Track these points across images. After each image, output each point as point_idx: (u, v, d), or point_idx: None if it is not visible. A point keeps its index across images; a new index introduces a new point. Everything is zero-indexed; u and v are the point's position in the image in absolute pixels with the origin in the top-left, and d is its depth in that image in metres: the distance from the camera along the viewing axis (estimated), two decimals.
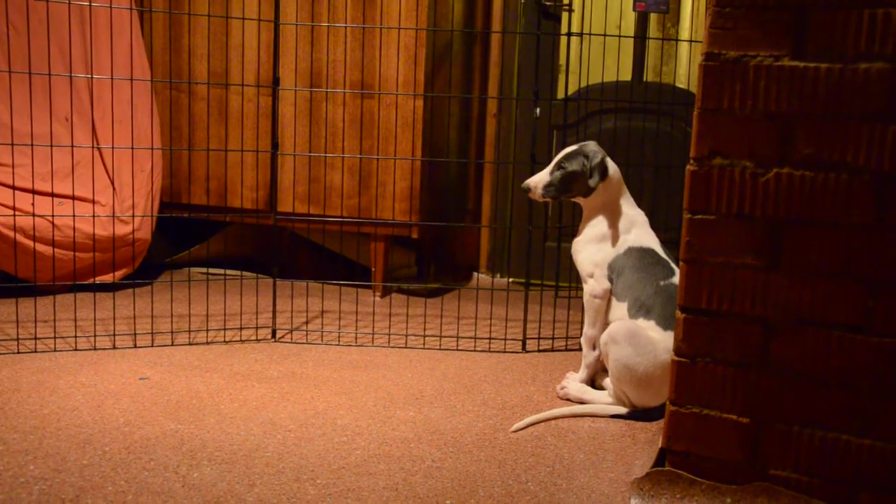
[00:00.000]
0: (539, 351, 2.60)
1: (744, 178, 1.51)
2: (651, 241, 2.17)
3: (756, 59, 1.48)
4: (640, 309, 2.06)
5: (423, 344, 2.63)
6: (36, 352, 2.34)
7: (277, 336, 2.64)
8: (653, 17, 3.77)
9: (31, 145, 2.67)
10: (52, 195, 2.95)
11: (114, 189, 3.12)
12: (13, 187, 2.91)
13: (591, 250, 2.18)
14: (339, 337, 2.66)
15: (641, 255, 2.12)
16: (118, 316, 2.72)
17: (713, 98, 1.52)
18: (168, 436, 1.78)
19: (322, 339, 2.63)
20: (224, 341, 2.55)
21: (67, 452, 1.66)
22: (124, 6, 3.18)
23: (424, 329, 2.76)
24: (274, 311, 2.66)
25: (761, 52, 1.48)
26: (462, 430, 1.91)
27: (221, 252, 3.60)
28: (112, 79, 2.87)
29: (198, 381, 2.16)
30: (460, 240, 3.80)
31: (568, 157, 2.19)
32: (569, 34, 2.82)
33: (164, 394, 2.06)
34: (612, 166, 2.20)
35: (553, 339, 2.70)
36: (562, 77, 3.53)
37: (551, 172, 2.20)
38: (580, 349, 2.61)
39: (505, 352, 2.58)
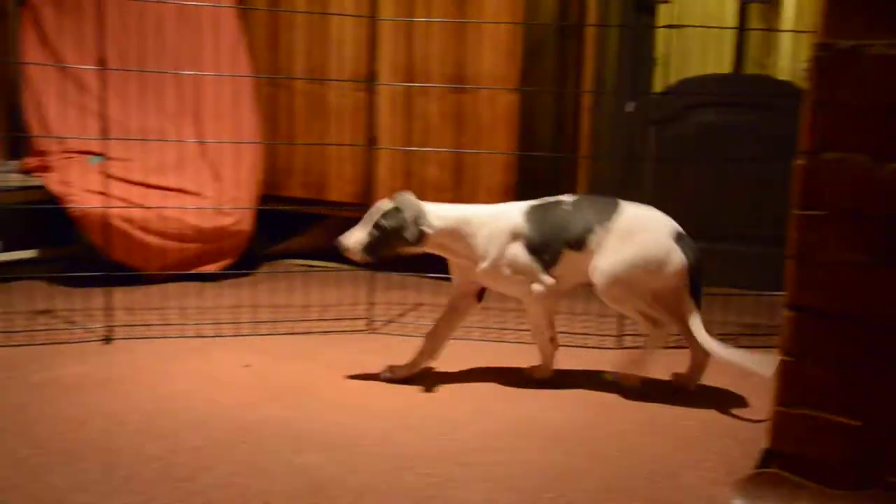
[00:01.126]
0: (636, 348, 2.58)
1: (857, 172, 1.46)
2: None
3: (873, 48, 1.44)
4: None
5: (519, 338, 2.63)
6: (148, 338, 2.44)
7: (373, 327, 2.68)
8: (754, 7, 3.68)
9: (140, 140, 2.78)
10: (161, 188, 3.07)
11: (217, 182, 3.22)
12: (126, 181, 3.04)
13: (509, 260, 2.09)
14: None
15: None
16: (221, 305, 2.82)
17: (825, 90, 1.48)
18: (272, 421, 1.84)
19: (417, 332, 2.66)
20: (323, 332, 2.61)
21: (181, 433, 1.74)
22: (227, 4, 3.28)
23: (522, 322, 2.77)
24: (370, 303, 2.71)
25: (878, 41, 1.43)
26: (560, 425, 1.91)
27: (317, 244, 3.67)
28: (211, 75, 2.97)
29: (299, 370, 2.22)
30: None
31: (384, 215, 2.06)
32: (671, 26, 2.78)
33: (267, 381, 2.12)
34: (433, 214, 2.09)
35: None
36: (657, 70, 3.48)
37: (370, 232, 2.06)
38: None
39: (599, 348, 2.56)
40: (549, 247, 2.08)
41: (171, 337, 2.46)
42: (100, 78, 2.65)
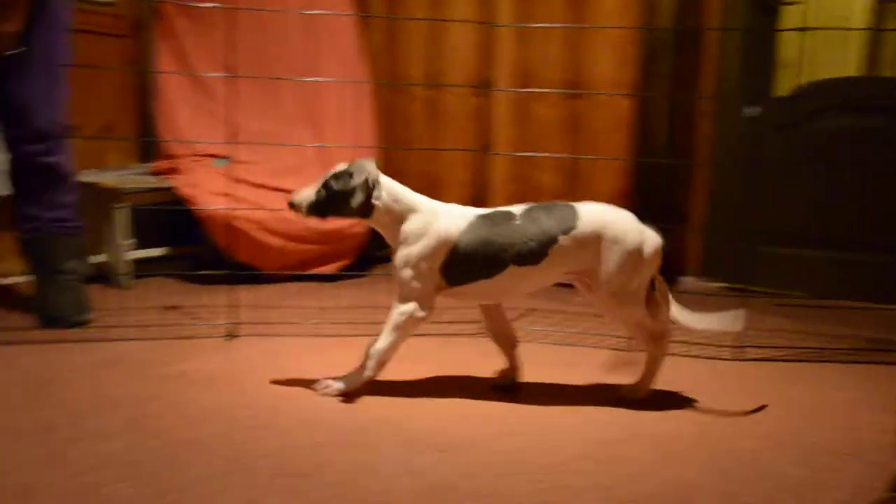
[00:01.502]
0: (754, 360, 2.50)
1: None
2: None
3: None
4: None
5: (632, 346, 2.59)
6: (269, 336, 2.53)
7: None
8: (888, 7, 3.51)
9: (264, 143, 2.88)
10: (282, 191, 3.17)
11: None
12: (249, 183, 3.16)
13: (415, 264, 1.98)
14: (545, 335, 2.68)
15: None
16: (339, 305, 2.89)
17: None
18: (388, 422, 1.87)
19: (529, 337, 2.66)
20: (436, 334, 2.64)
21: (298, 430, 1.79)
22: (347, 12, 3.36)
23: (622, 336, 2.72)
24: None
25: None
26: (673, 435, 1.87)
27: None
28: (331, 81, 3.04)
29: (414, 371, 2.25)
30: (669, 242, 3.71)
31: (335, 175, 2.01)
32: (803, 29, 2.68)
33: (378, 381, 2.16)
34: (386, 188, 2.02)
35: (773, 348, 2.58)
36: (780, 74, 3.37)
37: (317, 190, 2.01)
38: (799, 360, 2.49)
39: (717, 359, 2.50)
40: (487, 259, 1.97)
41: (290, 335, 2.54)
42: (227, 85, 2.76)
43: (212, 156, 3.27)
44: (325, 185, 2.00)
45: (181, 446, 1.67)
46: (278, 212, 3.07)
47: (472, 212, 2.04)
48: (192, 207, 3.04)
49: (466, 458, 1.70)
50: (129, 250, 3.08)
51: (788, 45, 3.28)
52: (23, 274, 2.77)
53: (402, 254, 1.99)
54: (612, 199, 3.08)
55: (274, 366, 2.24)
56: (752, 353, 2.53)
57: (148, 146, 3.50)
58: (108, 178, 3.11)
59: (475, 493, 1.54)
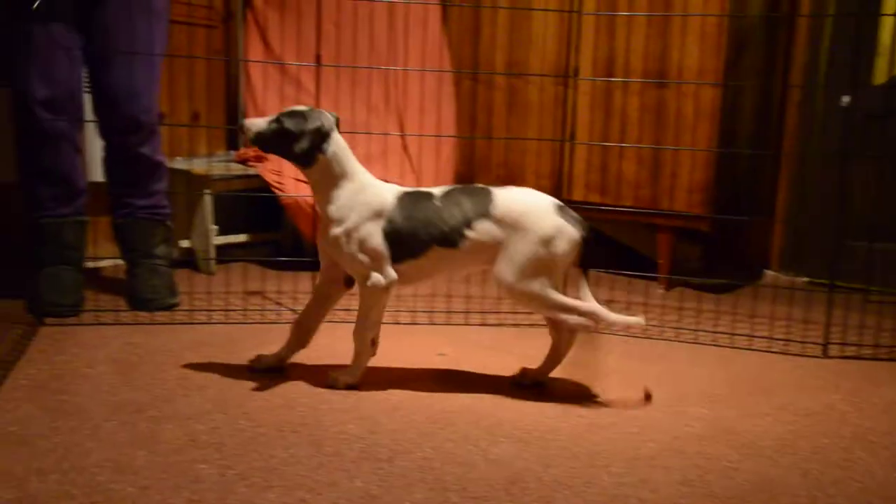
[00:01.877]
0: (843, 357, 2.43)
1: None
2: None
3: None
4: None
5: (714, 341, 2.55)
6: (346, 322, 2.56)
7: None
8: None
9: (348, 132, 2.91)
10: None
11: (414, 174, 3.33)
12: None
13: (361, 236, 1.93)
14: (627, 327, 2.64)
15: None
16: (416, 294, 2.90)
17: None
18: (467, 410, 1.88)
19: (610, 329, 2.63)
20: (515, 325, 2.63)
21: (380, 416, 1.81)
22: (433, 1, 3.37)
23: (716, 325, 2.68)
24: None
25: None
26: (759, 434, 1.83)
27: None
28: (415, 70, 3.05)
29: (492, 361, 2.25)
30: (751, 235, 3.63)
31: (290, 113, 1.93)
32: None
33: (461, 370, 2.17)
34: (335, 143, 1.94)
35: (860, 345, 2.50)
36: (879, 61, 3.24)
37: (269, 123, 1.93)
38: (889, 358, 2.41)
39: (803, 356, 2.43)
40: (413, 238, 1.94)
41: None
42: (314, 74, 2.79)
43: None
44: (278, 120, 1.93)
45: (267, 429, 1.71)
46: None
47: (397, 189, 1.99)
48: (277, 194, 3.09)
49: (548, 449, 1.69)
50: (214, 236, 3.15)
51: (885, 32, 3.16)
52: (116, 258, 2.86)
53: (339, 232, 1.93)
54: (695, 189, 3.03)
55: (352, 351, 2.26)
56: (838, 350, 2.45)
57: (235, 134, 3.57)
58: (197, 166, 3.19)
59: (555, 484, 1.54)
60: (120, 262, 2.80)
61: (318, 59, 2.41)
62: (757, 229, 3.61)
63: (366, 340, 2.00)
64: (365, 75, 3.36)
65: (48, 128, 2.42)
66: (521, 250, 1.91)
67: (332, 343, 2.28)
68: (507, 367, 2.21)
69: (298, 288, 2.78)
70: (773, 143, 3.51)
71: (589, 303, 1.96)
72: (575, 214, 1.96)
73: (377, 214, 1.93)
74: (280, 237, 3.52)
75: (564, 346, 2.07)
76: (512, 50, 3.35)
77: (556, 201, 1.97)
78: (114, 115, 2.50)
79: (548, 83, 3.30)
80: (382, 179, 3.18)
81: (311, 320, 2.11)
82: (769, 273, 3.60)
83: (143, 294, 2.57)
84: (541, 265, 1.91)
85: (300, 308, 2.64)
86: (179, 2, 3.23)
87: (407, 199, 1.96)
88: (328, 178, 1.95)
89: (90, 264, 2.79)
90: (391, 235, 1.93)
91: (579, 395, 2.03)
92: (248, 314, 2.57)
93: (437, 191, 2.00)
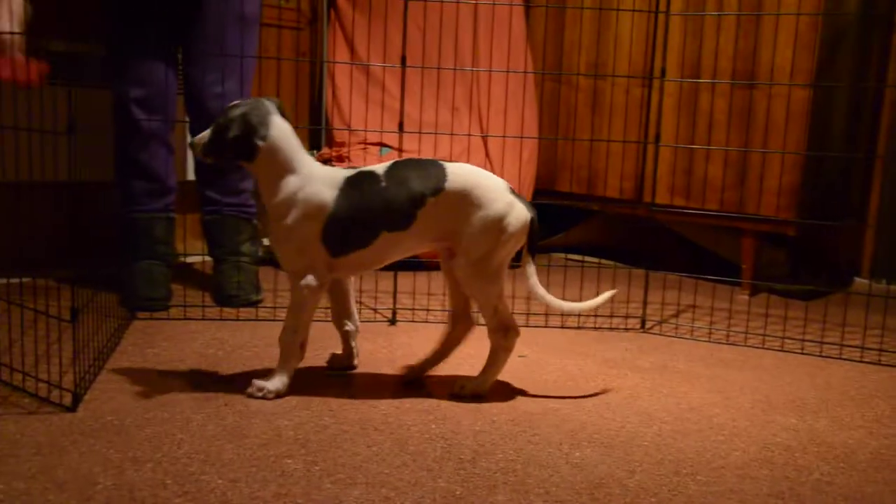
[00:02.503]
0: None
1: None
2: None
3: None
4: None
5: (802, 349, 2.48)
6: (427, 322, 2.57)
7: (646, 327, 2.64)
8: None
9: (428, 133, 2.93)
10: None
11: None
12: None
13: (299, 234, 1.82)
14: (709, 333, 2.60)
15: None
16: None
17: None
18: (549, 413, 1.87)
19: (691, 334, 2.59)
20: (594, 328, 2.61)
21: (461, 417, 1.81)
22: (511, 2, 3.36)
23: (804, 333, 2.60)
24: (644, 302, 2.66)
25: None
26: (853, 446, 1.77)
27: (585, 240, 3.68)
28: (497, 72, 3.05)
29: (572, 364, 2.24)
30: (841, 241, 3.52)
31: (225, 110, 1.82)
32: None
33: (541, 373, 2.16)
34: (277, 128, 1.83)
35: None
36: None
37: (211, 128, 1.83)
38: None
39: (893, 365, 2.35)
40: (361, 229, 1.82)
41: (441, 323, 2.58)
42: (397, 76, 2.81)
43: (380, 144, 3.36)
44: (216, 123, 1.83)
45: (350, 426, 1.73)
46: None
47: (341, 175, 1.86)
48: None
49: (632, 454, 1.67)
50: None
51: None
52: (203, 254, 2.93)
53: (277, 229, 1.85)
54: (782, 192, 2.95)
55: (425, 351, 2.27)
56: None
57: (317, 134, 3.63)
58: None
59: (640, 491, 1.52)
60: (207, 258, 2.87)
61: (403, 60, 2.42)
62: (847, 235, 3.50)
63: (294, 343, 1.89)
64: (448, 77, 3.38)
65: (143, 126, 2.51)
66: (476, 229, 1.81)
67: (410, 342, 2.30)
68: (586, 370, 2.19)
69: (380, 287, 2.81)
70: (865, 145, 3.40)
71: (537, 290, 1.92)
72: (523, 197, 1.88)
73: (319, 210, 1.81)
74: None
75: (455, 342, 2.01)
76: (596, 51, 3.32)
77: (506, 183, 1.87)
78: (204, 116, 2.56)
79: (632, 84, 3.26)
80: None
81: (344, 306, 2.07)
82: (859, 280, 3.48)
83: (229, 290, 2.63)
84: (496, 245, 1.82)
85: (382, 307, 2.67)
86: (269, 5, 3.29)
87: (350, 187, 1.83)
88: (272, 170, 1.83)
89: (179, 260, 2.87)
90: (335, 231, 1.82)
91: (663, 400, 1.99)
92: (329, 312, 2.60)
93: (380, 169, 1.86)
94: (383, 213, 1.81)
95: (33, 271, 2.69)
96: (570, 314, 1.94)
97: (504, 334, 1.91)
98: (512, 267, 1.95)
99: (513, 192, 1.86)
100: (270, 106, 1.86)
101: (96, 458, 1.51)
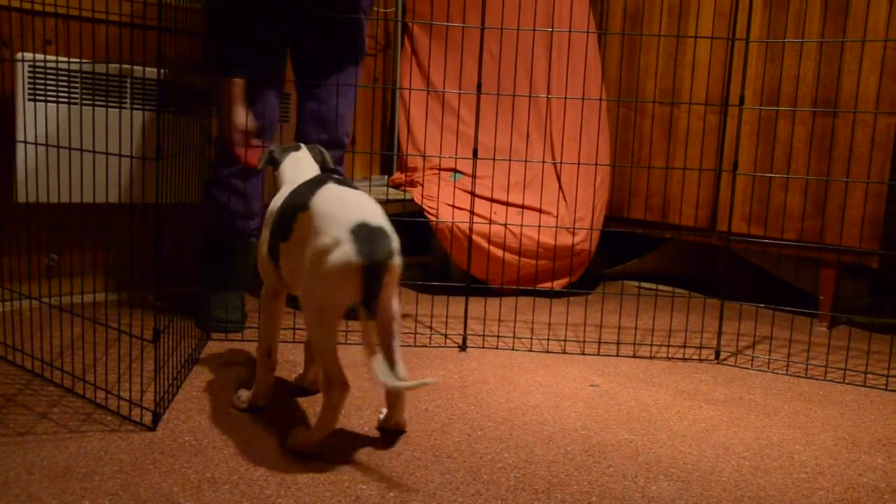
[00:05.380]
0: None
1: None
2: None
3: None
4: None
5: (886, 384, 2.39)
6: (497, 349, 2.56)
7: (721, 358, 2.59)
8: None
9: (499, 159, 2.93)
10: (515, 206, 3.21)
11: (565, 202, 3.31)
12: (483, 197, 3.23)
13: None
14: (786, 366, 2.53)
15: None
16: (563, 322, 2.88)
17: None
18: (623, 445, 1.84)
19: (768, 367, 2.52)
20: (667, 357, 2.57)
21: (534, 446, 1.80)
22: (587, 31, 3.35)
23: (888, 368, 2.52)
24: (719, 332, 2.61)
25: None
26: None
27: (660, 268, 3.63)
28: (570, 98, 3.04)
29: (645, 395, 2.20)
30: None
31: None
32: None
33: (614, 403, 2.13)
34: (294, 157, 1.97)
35: None
36: None
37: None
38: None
39: None
40: (272, 237, 1.79)
41: (518, 350, 2.56)
42: (470, 102, 2.82)
43: (451, 170, 3.38)
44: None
45: (422, 453, 1.73)
46: (513, 226, 3.11)
47: (290, 187, 1.87)
48: (429, 219, 3.15)
49: (709, 489, 1.63)
50: None
51: None
52: None
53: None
54: (864, 222, 2.86)
55: (505, 379, 2.27)
56: None
57: (390, 160, 3.67)
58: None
59: None
60: None
61: (478, 87, 2.44)
62: None
63: (261, 351, 1.88)
64: (522, 104, 3.39)
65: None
66: (307, 257, 1.62)
67: (481, 367, 2.29)
68: (659, 401, 2.15)
69: (449, 312, 2.81)
70: None
71: (376, 362, 1.53)
72: (386, 241, 1.57)
73: (270, 216, 1.84)
74: (429, 260, 3.58)
75: (332, 408, 1.67)
76: (673, 77, 3.29)
77: (373, 218, 1.60)
78: (322, 136, 2.70)
79: (709, 112, 3.22)
80: (531, 207, 3.21)
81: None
82: None
83: None
84: (312, 281, 1.59)
85: (451, 332, 2.67)
86: None
87: (288, 198, 1.79)
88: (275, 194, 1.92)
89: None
90: (271, 239, 1.81)
91: (740, 434, 1.95)
92: (400, 337, 2.62)
93: (305, 183, 1.79)
94: (277, 223, 1.77)
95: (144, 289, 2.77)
96: (391, 388, 1.63)
97: (329, 389, 1.63)
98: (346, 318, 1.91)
99: (364, 229, 1.57)
100: (306, 152, 2.01)
101: (176, 478, 1.54)
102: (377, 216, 1.62)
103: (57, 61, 2.56)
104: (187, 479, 1.53)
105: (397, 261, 1.60)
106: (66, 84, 2.58)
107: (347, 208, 1.60)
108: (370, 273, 1.53)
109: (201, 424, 1.81)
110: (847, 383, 2.40)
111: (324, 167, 2.03)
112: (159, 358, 1.82)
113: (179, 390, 2.02)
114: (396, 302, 1.75)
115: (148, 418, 1.79)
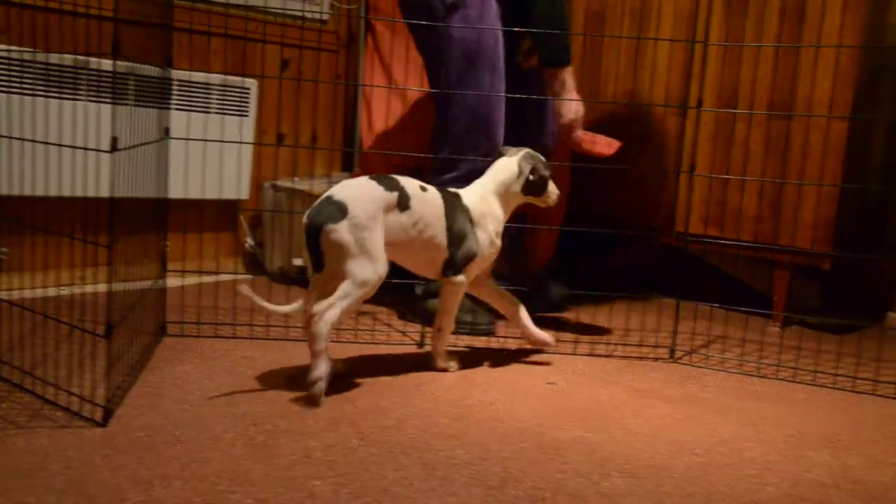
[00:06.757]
0: None
1: None
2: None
3: None
4: None
5: (834, 383, 2.44)
6: (456, 346, 2.57)
7: (676, 357, 2.62)
8: None
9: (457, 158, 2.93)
10: None
11: None
12: None
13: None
14: (740, 365, 2.57)
15: None
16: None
17: None
18: (577, 442, 1.85)
19: (722, 366, 2.56)
20: (622, 356, 2.59)
21: (489, 443, 1.80)
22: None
23: (837, 367, 2.57)
24: (675, 331, 2.64)
25: None
26: (888, 485, 1.74)
27: (617, 268, 3.66)
28: (528, 98, 3.05)
29: (601, 392, 2.22)
30: (874, 275, 3.47)
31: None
32: None
33: (570, 400, 2.14)
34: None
35: None
36: None
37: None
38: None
39: None
40: None
41: (477, 348, 2.57)
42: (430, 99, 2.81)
43: (415, 168, 3.36)
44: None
45: (377, 449, 1.73)
46: None
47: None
48: None
49: (659, 486, 1.65)
50: None
51: None
52: (237, 273, 2.95)
53: None
54: (816, 225, 2.92)
55: (462, 375, 2.27)
56: None
57: (350, 157, 3.65)
58: (317, 186, 3.28)
59: None
60: (239, 276, 2.89)
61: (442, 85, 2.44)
62: (881, 269, 3.45)
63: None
64: None
65: None
66: None
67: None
68: (615, 399, 2.17)
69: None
70: None
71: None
72: (336, 205, 1.95)
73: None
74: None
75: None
76: (629, 80, 3.32)
77: (353, 193, 1.98)
78: (538, 142, 2.76)
79: (668, 113, 3.25)
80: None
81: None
82: (892, 315, 3.43)
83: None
84: None
85: (409, 329, 2.67)
86: (312, 28, 3.34)
87: None
88: None
89: (211, 279, 2.88)
90: None
91: (693, 432, 1.97)
92: (360, 335, 2.61)
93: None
94: None
95: None
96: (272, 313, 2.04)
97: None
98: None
99: (331, 201, 1.97)
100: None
101: (126, 474, 1.52)
102: (341, 193, 1.99)
103: (9, 50, 2.51)
104: (138, 476, 1.51)
105: (333, 227, 1.94)
106: (18, 74, 2.54)
107: (346, 183, 2.04)
108: (309, 229, 1.97)
109: (154, 420, 1.79)
110: (797, 382, 2.44)
111: None
112: (112, 353, 1.79)
113: (133, 386, 2.00)
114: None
115: (99, 414, 1.77)
